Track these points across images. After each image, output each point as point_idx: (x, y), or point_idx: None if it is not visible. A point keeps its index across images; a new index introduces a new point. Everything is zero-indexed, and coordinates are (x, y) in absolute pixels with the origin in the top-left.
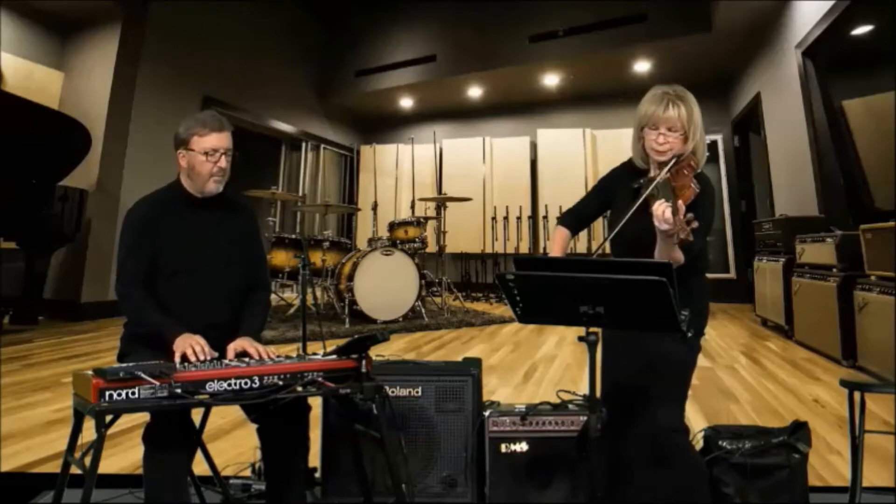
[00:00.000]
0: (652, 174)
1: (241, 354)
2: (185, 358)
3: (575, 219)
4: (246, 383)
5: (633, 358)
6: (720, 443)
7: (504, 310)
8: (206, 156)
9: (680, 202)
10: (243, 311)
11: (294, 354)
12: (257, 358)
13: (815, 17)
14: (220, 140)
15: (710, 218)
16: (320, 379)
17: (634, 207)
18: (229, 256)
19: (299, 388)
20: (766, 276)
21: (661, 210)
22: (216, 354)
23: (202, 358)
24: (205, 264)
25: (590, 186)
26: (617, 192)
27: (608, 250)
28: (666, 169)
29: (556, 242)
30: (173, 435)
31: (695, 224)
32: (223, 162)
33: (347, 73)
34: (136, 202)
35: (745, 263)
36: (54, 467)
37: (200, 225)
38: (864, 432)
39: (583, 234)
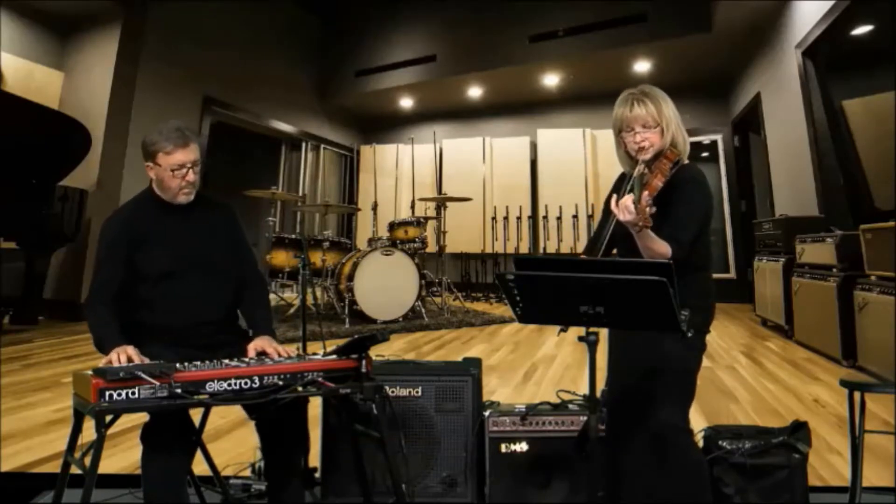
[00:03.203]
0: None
1: (261, 354)
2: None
3: (592, 243)
4: (246, 383)
5: (637, 357)
6: (720, 443)
7: (504, 310)
8: (174, 172)
9: (645, 193)
10: (249, 311)
11: (294, 354)
12: (277, 358)
13: (815, 17)
14: (185, 155)
15: (699, 206)
16: (320, 379)
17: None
18: (213, 255)
19: (299, 388)
20: (766, 276)
21: (623, 205)
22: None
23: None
24: (190, 265)
25: (590, 186)
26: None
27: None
28: (643, 164)
29: None
30: (172, 435)
31: (652, 209)
32: (191, 176)
33: (347, 73)
34: (111, 214)
35: (745, 263)
36: (54, 467)
37: (180, 228)
38: (864, 432)
39: (584, 235)
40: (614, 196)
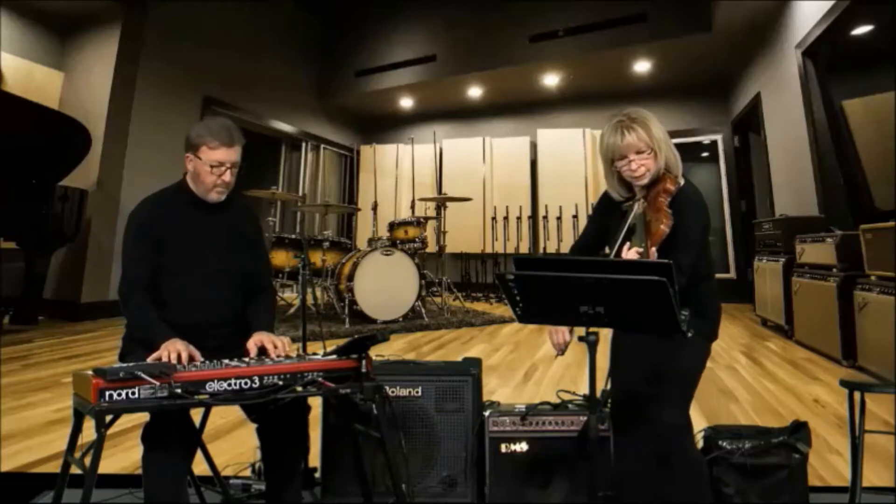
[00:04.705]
0: (637, 196)
1: (262, 350)
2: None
3: (580, 252)
4: (246, 383)
5: (642, 358)
6: (720, 443)
7: (504, 310)
8: (212, 168)
9: (652, 250)
10: (253, 311)
11: (294, 354)
12: (276, 352)
13: (815, 17)
14: (228, 154)
15: (701, 228)
16: (320, 379)
17: (619, 240)
18: (231, 257)
19: (299, 388)
20: (766, 276)
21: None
22: (198, 358)
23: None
24: (208, 265)
25: (590, 186)
26: (611, 216)
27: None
28: (643, 200)
29: None
30: (172, 435)
31: None
32: (228, 176)
33: (347, 73)
34: (141, 202)
35: (745, 263)
36: (54, 467)
37: (204, 226)
38: (864, 432)
39: None
40: (632, 250)
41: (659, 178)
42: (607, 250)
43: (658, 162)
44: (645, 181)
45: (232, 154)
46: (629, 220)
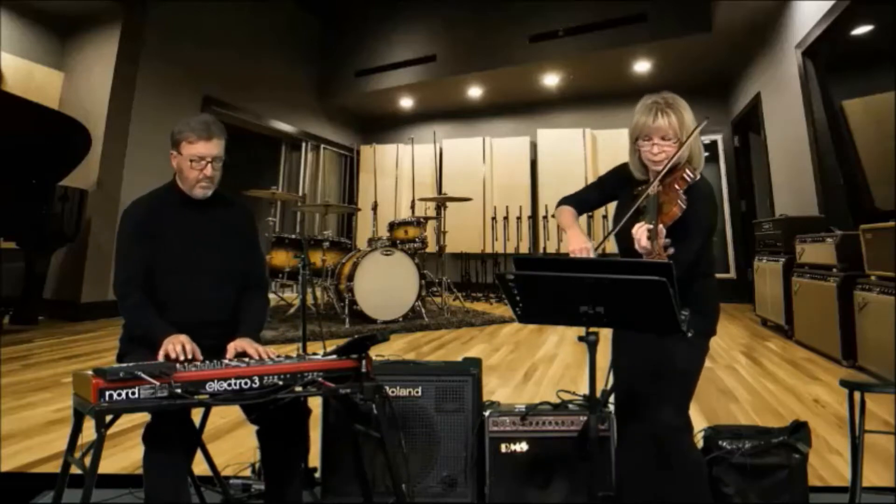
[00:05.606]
0: (651, 181)
1: (241, 354)
2: (168, 356)
3: (577, 204)
4: (246, 383)
5: (642, 358)
6: (720, 443)
7: (504, 310)
8: (192, 163)
9: (661, 226)
10: (242, 311)
11: (294, 354)
12: (257, 358)
13: (815, 17)
14: (207, 148)
15: (709, 223)
16: (320, 379)
17: (627, 217)
18: (226, 255)
19: (299, 388)
20: (766, 276)
21: (640, 235)
22: (198, 354)
23: (181, 357)
24: (202, 263)
25: None
26: (621, 192)
27: (608, 249)
28: (658, 180)
29: (567, 217)
30: (173, 435)
31: (671, 251)
32: (209, 170)
33: (347, 73)
34: (132, 203)
35: (745, 263)
36: (54, 467)
37: (197, 224)
38: (864, 432)
39: None
40: (641, 224)
41: (678, 166)
42: (605, 222)
43: (682, 152)
44: (667, 167)
45: (212, 148)
46: (641, 200)
